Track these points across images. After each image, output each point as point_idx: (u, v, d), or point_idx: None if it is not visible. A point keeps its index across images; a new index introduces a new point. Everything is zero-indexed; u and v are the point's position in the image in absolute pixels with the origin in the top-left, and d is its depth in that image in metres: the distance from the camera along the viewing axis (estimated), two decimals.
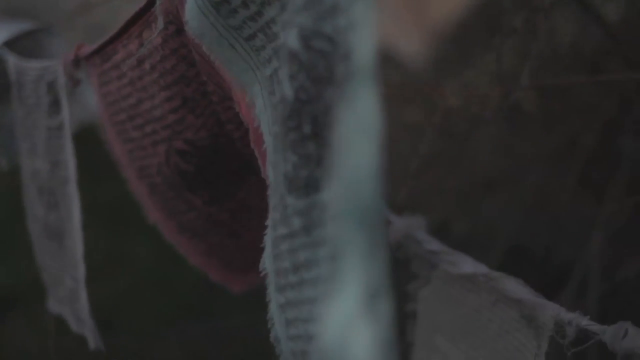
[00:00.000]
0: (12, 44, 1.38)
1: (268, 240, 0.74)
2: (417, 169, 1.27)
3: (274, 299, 0.74)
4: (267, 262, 0.74)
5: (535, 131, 1.96)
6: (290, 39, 0.65)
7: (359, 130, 0.53)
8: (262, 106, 0.80)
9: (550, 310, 0.99)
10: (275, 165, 0.73)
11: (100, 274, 3.13)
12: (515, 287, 1.04)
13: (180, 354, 2.83)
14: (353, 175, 0.53)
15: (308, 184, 0.64)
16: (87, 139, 1.49)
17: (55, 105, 1.24)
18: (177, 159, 1.13)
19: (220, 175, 1.17)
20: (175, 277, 2.88)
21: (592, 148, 1.89)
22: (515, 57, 1.45)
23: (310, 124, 0.63)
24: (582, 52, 1.82)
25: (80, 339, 2.83)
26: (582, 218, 1.89)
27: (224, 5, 0.80)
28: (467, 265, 1.11)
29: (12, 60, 1.34)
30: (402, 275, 1.17)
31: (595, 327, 0.93)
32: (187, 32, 0.88)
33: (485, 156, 1.93)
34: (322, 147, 0.62)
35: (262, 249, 1.29)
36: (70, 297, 1.35)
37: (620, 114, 1.87)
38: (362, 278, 0.53)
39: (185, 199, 1.18)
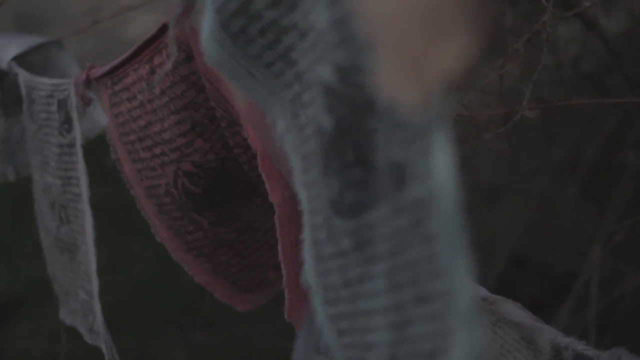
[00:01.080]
0: (22, 57, 1.40)
1: (308, 256, 0.76)
2: None
3: (323, 311, 0.76)
4: (309, 277, 0.76)
5: (538, 144, 1.98)
6: (325, 73, 0.67)
7: (423, 152, 0.57)
8: (284, 128, 0.82)
9: (548, 334, 1.00)
10: (309, 186, 0.76)
11: (101, 276, 3.16)
12: (514, 310, 1.06)
13: (184, 355, 2.85)
14: (429, 194, 0.57)
15: (355, 206, 0.66)
16: (89, 145, 1.51)
17: (67, 123, 1.26)
18: (184, 181, 1.15)
19: (227, 197, 1.19)
20: (177, 281, 2.89)
21: (593, 161, 1.91)
22: (518, 77, 1.47)
23: (354, 152, 0.65)
24: (585, 69, 1.84)
25: (88, 344, 2.85)
26: (583, 230, 1.91)
27: (241, 35, 0.82)
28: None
29: (23, 75, 1.36)
30: None
31: (590, 352, 0.95)
32: (199, 60, 0.89)
33: (488, 168, 1.95)
34: (367, 171, 0.64)
35: (266, 269, 1.31)
36: (82, 309, 1.37)
37: (622, 128, 1.88)
38: (447, 288, 0.57)
39: (193, 219, 1.20)
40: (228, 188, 1.18)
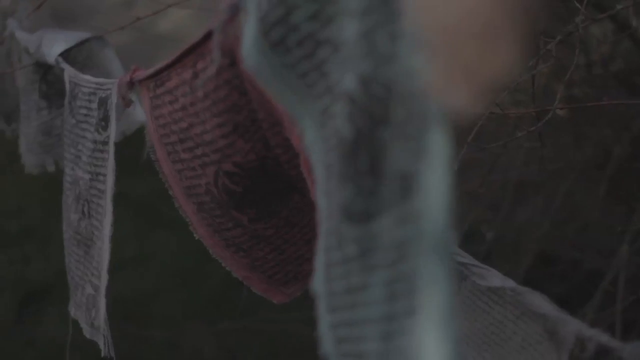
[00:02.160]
0: (66, 52, 1.44)
1: (320, 264, 0.79)
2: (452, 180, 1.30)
3: (325, 319, 0.78)
4: (317, 284, 0.78)
5: (567, 143, 1.99)
6: (350, 83, 0.71)
7: (428, 166, 0.60)
8: (313, 138, 0.85)
9: (572, 326, 1.02)
10: (328, 194, 0.78)
11: (131, 266, 3.19)
12: (540, 301, 1.08)
13: (213, 344, 2.88)
14: (426, 206, 0.59)
15: (363, 213, 0.69)
16: (126, 139, 1.54)
17: (104, 121, 1.30)
18: (225, 180, 1.18)
19: (266, 194, 1.22)
20: (206, 272, 2.92)
21: (622, 160, 1.92)
22: (550, 76, 1.49)
23: (368, 160, 0.68)
24: (616, 69, 1.86)
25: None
26: (610, 229, 1.92)
27: (280, 46, 0.85)
28: (496, 279, 1.14)
29: (69, 71, 1.39)
30: None
31: (614, 343, 0.97)
32: (241, 65, 0.92)
33: (518, 166, 1.97)
34: (377, 180, 0.67)
35: (302, 263, 1.33)
36: (87, 303, 1.40)
37: None
38: (436, 301, 0.59)
39: (232, 216, 1.22)
40: (267, 186, 1.21)
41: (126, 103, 1.24)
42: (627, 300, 1.74)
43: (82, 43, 1.50)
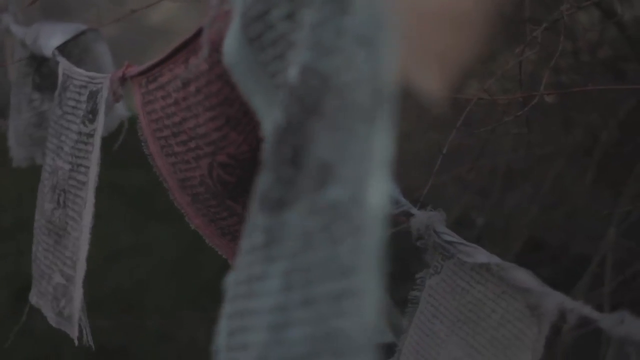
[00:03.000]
0: (63, 46, 1.46)
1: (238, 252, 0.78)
2: (440, 164, 1.33)
3: (224, 309, 0.77)
4: (230, 274, 0.77)
5: (555, 128, 2.02)
6: (292, 73, 0.72)
7: (351, 159, 0.60)
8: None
9: (555, 299, 1.04)
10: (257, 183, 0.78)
11: (126, 257, 3.21)
12: (524, 277, 1.09)
13: (205, 334, 2.89)
14: (358, 201, 0.59)
15: (277, 202, 0.69)
16: (116, 130, 1.56)
17: (92, 114, 1.32)
18: (219, 171, 1.20)
19: None
20: (199, 262, 2.94)
21: (609, 145, 1.95)
22: (537, 63, 1.51)
23: (292, 149, 0.69)
24: (602, 55, 1.88)
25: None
26: (598, 212, 1.95)
27: (257, 42, 0.87)
28: (482, 255, 1.15)
29: (63, 64, 1.41)
30: (416, 264, 1.23)
31: (595, 314, 1.00)
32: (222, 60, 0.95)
33: (506, 152, 1.99)
34: (297, 170, 0.67)
35: None
36: (54, 292, 1.41)
37: (637, 113, 1.92)
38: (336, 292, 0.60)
39: (227, 205, 1.25)
40: None
41: (116, 98, 1.27)
42: (615, 282, 1.77)
43: (78, 36, 1.52)
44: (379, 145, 0.59)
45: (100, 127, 1.31)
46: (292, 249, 0.66)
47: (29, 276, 3.09)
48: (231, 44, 0.91)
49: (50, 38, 1.47)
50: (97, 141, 1.32)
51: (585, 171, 1.92)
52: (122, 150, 1.50)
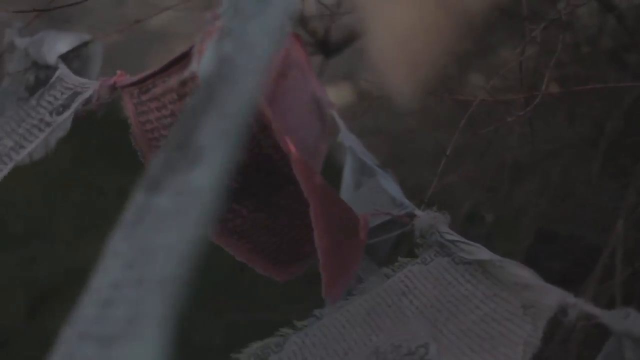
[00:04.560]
0: (65, 55, 1.46)
1: None
2: (446, 163, 1.33)
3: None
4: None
5: (560, 121, 2.01)
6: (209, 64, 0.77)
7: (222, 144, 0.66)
8: None
9: (556, 295, 1.04)
10: None
11: None
12: (525, 273, 1.10)
13: (222, 337, 2.89)
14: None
15: (154, 183, 0.70)
16: (118, 130, 1.57)
17: (63, 107, 1.32)
18: None
19: (262, 187, 1.26)
20: (212, 263, 2.94)
21: (615, 136, 1.95)
22: (538, 58, 1.51)
23: (183, 134, 0.71)
24: (604, 46, 1.88)
25: None
26: (606, 204, 1.95)
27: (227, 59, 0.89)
28: (484, 254, 1.15)
29: (62, 70, 1.42)
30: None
31: (596, 310, 1.00)
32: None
33: (512, 147, 1.99)
34: (180, 153, 0.70)
35: (303, 244, 1.36)
36: None
37: None
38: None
39: (231, 208, 1.27)
40: (263, 181, 1.25)
41: (99, 105, 1.27)
42: (626, 273, 1.77)
43: (81, 46, 1.52)
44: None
45: (61, 124, 1.31)
46: (147, 228, 0.67)
47: (44, 283, 3.11)
48: (206, 60, 0.93)
49: (55, 45, 1.48)
50: (51, 133, 1.32)
51: (592, 163, 1.92)
52: (131, 155, 1.51)
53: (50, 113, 1.35)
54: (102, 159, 3.32)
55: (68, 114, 1.31)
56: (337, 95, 2.43)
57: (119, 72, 1.27)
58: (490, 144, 1.76)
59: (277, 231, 1.33)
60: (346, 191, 1.43)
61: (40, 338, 2.89)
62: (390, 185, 1.35)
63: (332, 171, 1.51)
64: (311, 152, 1.50)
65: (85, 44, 1.55)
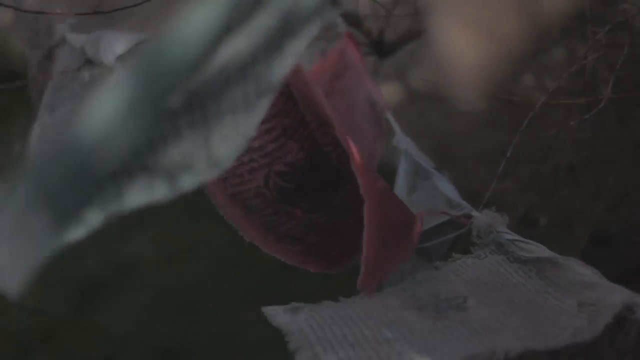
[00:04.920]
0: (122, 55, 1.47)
1: None
2: (504, 167, 1.32)
3: None
4: None
5: (615, 124, 1.98)
6: None
7: None
8: None
9: (622, 294, 1.04)
10: None
11: (182, 257, 3.23)
12: (588, 271, 1.10)
13: (268, 334, 2.89)
14: None
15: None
16: None
17: None
18: (277, 180, 1.22)
19: (317, 187, 1.27)
20: (257, 260, 2.93)
21: None
22: (600, 67, 1.49)
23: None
24: None
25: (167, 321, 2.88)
26: None
27: None
28: (544, 252, 1.15)
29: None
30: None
31: None
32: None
33: (568, 150, 1.97)
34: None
35: (355, 239, 1.36)
36: None
37: None
38: None
39: (285, 211, 1.27)
40: (318, 179, 1.26)
41: None
42: None
43: (138, 45, 1.53)
44: None
45: None
46: None
47: (94, 274, 3.12)
48: None
49: (112, 46, 1.48)
50: None
51: None
52: None
53: None
54: None
55: None
56: (387, 95, 2.41)
57: None
58: (550, 148, 1.73)
59: (330, 229, 1.33)
60: (400, 194, 1.42)
61: (86, 330, 2.91)
62: (446, 187, 1.36)
63: (384, 173, 1.50)
64: (368, 154, 1.49)
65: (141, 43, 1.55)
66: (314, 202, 1.28)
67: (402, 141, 1.45)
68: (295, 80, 1.07)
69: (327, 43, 1.61)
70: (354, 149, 1.02)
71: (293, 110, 1.15)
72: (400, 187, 1.44)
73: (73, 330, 2.92)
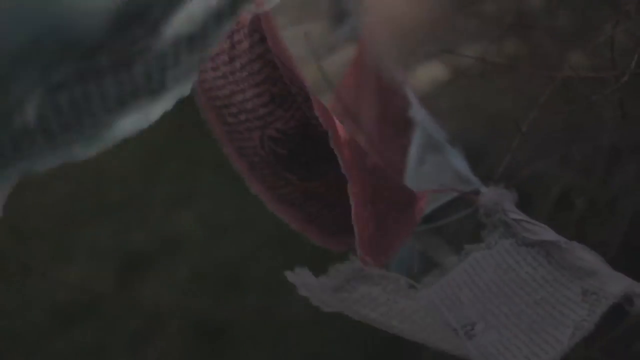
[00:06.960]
0: None
1: None
2: (537, 147, 1.28)
3: None
4: None
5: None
6: None
7: None
8: None
9: (623, 283, 1.03)
10: None
11: (230, 232, 3.22)
12: (591, 257, 1.09)
13: (308, 314, 2.88)
14: None
15: None
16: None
17: None
18: (270, 144, 1.24)
19: (312, 157, 1.28)
20: (303, 236, 2.92)
21: None
22: (625, 34, 1.41)
23: None
24: None
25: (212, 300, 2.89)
26: None
27: None
28: (549, 234, 1.13)
29: None
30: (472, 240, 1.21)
31: None
32: (270, 41, 0.97)
33: (610, 125, 1.89)
34: None
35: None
36: None
37: None
38: None
39: (282, 175, 1.30)
40: (312, 150, 1.26)
41: None
42: None
43: None
44: None
45: None
46: None
47: (137, 251, 3.14)
48: None
49: None
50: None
51: None
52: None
53: None
54: (198, 132, 3.34)
55: None
56: (430, 72, 2.37)
57: None
58: (582, 126, 1.66)
59: (328, 202, 1.34)
60: (411, 166, 1.42)
61: (130, 306, 2.93)
62: (457, 161, 1.35)
63: None
64: (388, 129, 1.48)
65: None
66: (310, 171, 1.30)
67: (418, 113, 1.45)
68: (278, 51, 1.09)
69: None
70: (336, 126, 1.02)
71: (280, 80, 1.17)
72: (413, 158, 1.44)
73: (117, 305, 2.94)
